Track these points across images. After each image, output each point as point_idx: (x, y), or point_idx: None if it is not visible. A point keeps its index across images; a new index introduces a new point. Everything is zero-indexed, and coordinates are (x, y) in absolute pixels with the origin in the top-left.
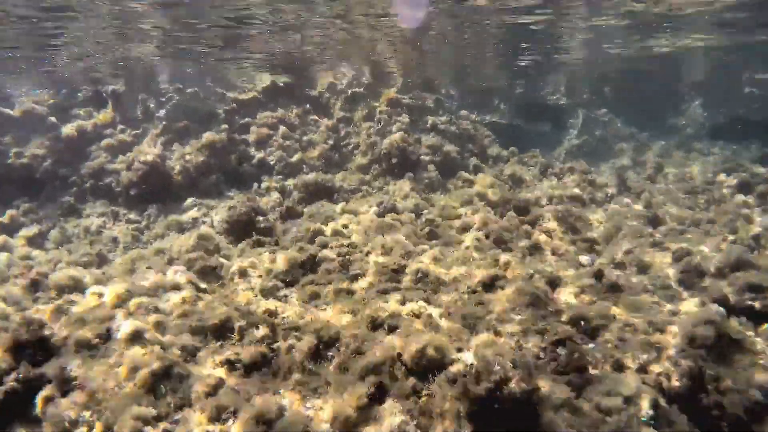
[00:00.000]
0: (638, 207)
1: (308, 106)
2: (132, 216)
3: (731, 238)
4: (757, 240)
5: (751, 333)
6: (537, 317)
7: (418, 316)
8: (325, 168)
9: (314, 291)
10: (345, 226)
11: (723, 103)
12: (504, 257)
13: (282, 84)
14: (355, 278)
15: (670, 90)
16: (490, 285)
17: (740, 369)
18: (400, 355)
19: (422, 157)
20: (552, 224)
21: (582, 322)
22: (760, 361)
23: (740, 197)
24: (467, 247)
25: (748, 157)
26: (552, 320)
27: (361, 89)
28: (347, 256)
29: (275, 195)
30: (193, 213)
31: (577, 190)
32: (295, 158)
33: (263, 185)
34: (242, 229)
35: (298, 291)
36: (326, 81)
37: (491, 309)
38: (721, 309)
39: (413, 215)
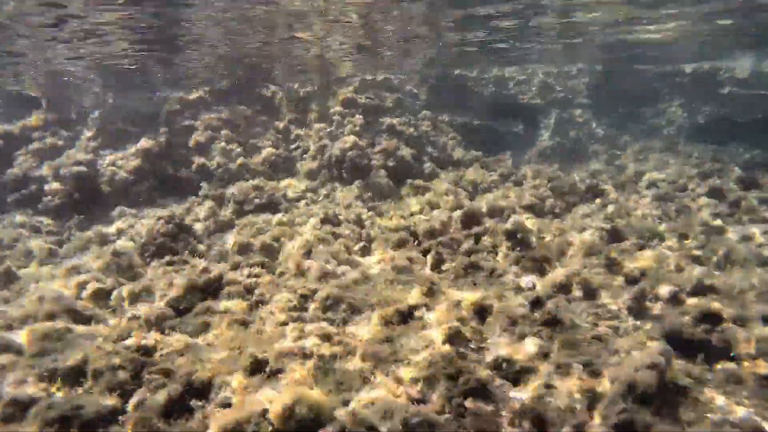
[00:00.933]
0: (599, 219)
1: (259, 107)
2: (54, 227)
3: (696, 253)
4: (727, 258)
5: (706, 374)
6: (452, 357)
7: (309, 356)
8: (271, 173)
9: (205, 322)
10: (276, 239)
11: (703, 103)
12: (433, 279)
13: (230, 83)
14: (257, 305)
15: (650, 89)
16: (409, 315)
17: (685, 425)
18: (266, 411)
19: (374, 162)
20: (499, 239)
21: (505, 364)
22: (709, 415)
23: (709, 208)
24: (394, 268)
25: (728, 161)
26: (471, 360)
27: (315, 88)
28: (256, 279)
29: (209, 204)
30: (119, 224)
31: (533, 199)
32: (237, 163)
33: (201, 192)
34: (161, 245)
35: (189, 321)
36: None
37: (401, 345)
38: (668, 348)
39: (354, 227)
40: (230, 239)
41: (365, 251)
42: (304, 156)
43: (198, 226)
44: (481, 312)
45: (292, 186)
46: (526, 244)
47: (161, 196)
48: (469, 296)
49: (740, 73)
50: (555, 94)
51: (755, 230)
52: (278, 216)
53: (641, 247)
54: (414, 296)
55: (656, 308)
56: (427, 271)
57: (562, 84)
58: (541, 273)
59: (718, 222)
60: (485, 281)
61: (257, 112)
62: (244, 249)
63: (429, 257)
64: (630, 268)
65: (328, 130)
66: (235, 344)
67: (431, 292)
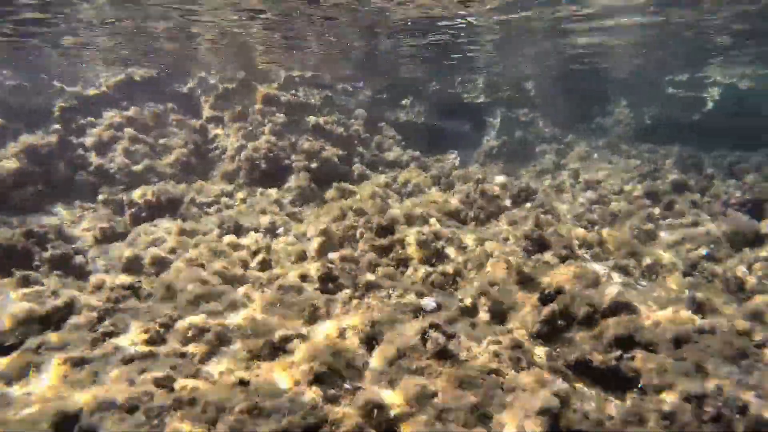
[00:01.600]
0: (527, 225)
1: (172, 104)
2: None
3: (623, 263)
4: (651, 269)
5: (609, 409)
6: (316, 405)
7: (133, 409)
8: (183, 176)
9: (31, 362)
10: (173, 251)
11: (647, 103)
12: (320, 300)
13: (139, 78)
14: (103, 337)
15: (597, 89)
16: (280, 347)
17: None
18: None
19: (295, 163)
20: (411, 250)
21: (376, 411)
22: None
23: (643, 211)
24: (280, 287)
25: (665, 161)
26: (346, 401)
27: (235, 85)
28: (117, 304)
29: (103, 211)
30: None
31: (458, 204)
32: (141, 165)
33: (100, 197)
34: (12, 260)
35: (11, 361)
36: (199, 75)
37: (257, 390)
38: (564, 387)
39: (258, 238)
40: (119, 251)
41: (264, 266)
42: (223, 157)
43: (87, 236)
44: (369, 341)
45: (205, 190)
46: (442, 257)
47: (51, 202)
48: (354, 322)
49: (681, 76)
50: (501, 93)
51: (686, 234)
52: (176, 223)
53: (565, 258)
54: (290, 323)
55: (569, 332)
56: (313, 290)
57: (509, 82)
58: (454, 289)
59: (650, 226)
60: (385, 301)
61: (171, 110)
62: (132, 263)
63: (317, 273)
64: (546, 284)
65: (248, 129)
66: (54, 393)
67: (313, 318)
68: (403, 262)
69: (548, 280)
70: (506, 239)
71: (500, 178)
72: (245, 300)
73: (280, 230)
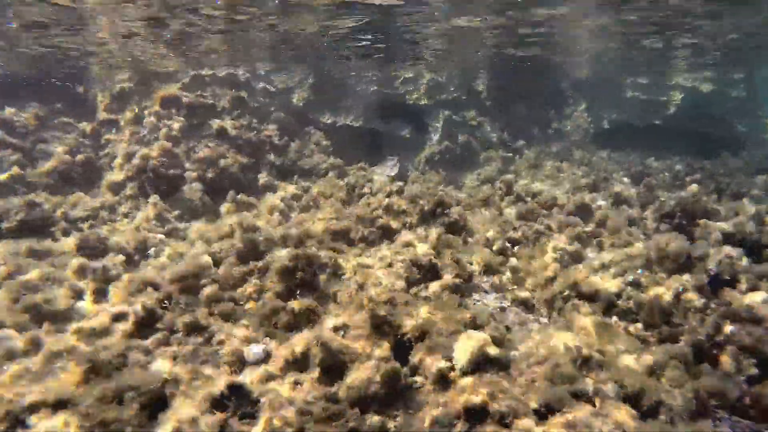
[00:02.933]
0: (420, 248)
1: (61, 105)
2: None
3: (522, 295)
4: (567, 298)
5: None
6: None
7: None
8: (61, 186)
9: None
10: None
11: (607, 107)
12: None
13: (24, 76)
14: None
15: (555, 91)
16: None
17: None
18: None
19: (188, 172)
20: (270, 280)
21: None
22: None
23: (569, 229)
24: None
25: (621, 170)
26: None
27: (133, 84)
28: None
29: None
30: None
31: (349, 222)
32: (6, 174)
33: None
34: None
35: None
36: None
37: None
38: None
39: (117, 261)
40: None
41: (100, 296)
42: (112, 165)
43: None
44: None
45: (81, 203)
46: (311, 287)
47: None
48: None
49: (642, 78)
50: (446, 94)
51: (614, 256)
52: (30, 243)
53: (455, 290)
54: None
55: (420, 390)
56: (119, 337)
57: (455, 83)
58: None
59: (575, 246)
60: (205, 352)
61: (58, 112)
62: None
63: (133, 318)
64: (408, 328)
65: (142, 133)
66: None
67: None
68: (259, 294)
69: (412, 324)
70: (390, 265)
71: (415, 188)
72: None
73: (151, 251)
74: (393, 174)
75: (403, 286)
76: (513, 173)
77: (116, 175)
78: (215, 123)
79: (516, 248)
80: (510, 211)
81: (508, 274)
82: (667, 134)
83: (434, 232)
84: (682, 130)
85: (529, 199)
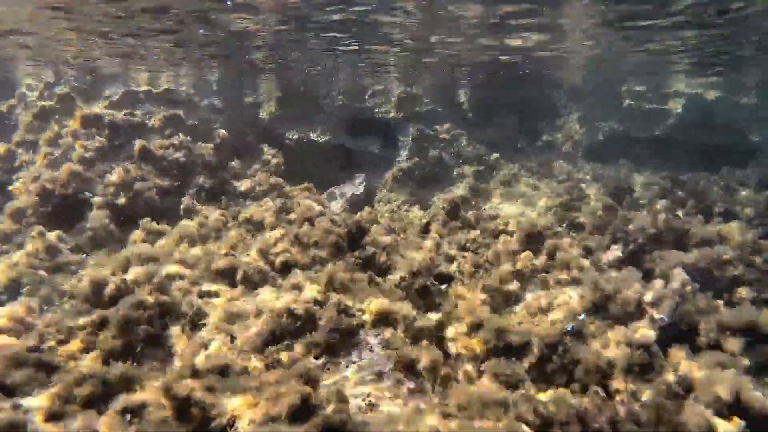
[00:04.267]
0: (313, 289)
1: None
2: None
3: (413, 355)
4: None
5: None
6: None
7: None
8: None
9: None
10: None
11: (602, 117)
12: None
13: None
14: None
15: (546, 100)
16: None
17: None
18: None
19: (97, 197)
20: (110, 333)
21: None
22: None
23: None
24: None
25: (597, 187)
26: None
27: (54, 102)
28: None
29: None
30: None
31: (232, 261)
32: None
33: None
34: None
35: None
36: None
37: None
38: None
39: None
40: None
41: None
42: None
43: None
44: None
45: None
46: (158, 343)
47: None
48: None
49: (640, 86)
50: (420, 107)
51: (552, 299)
52: None
53: (324, 350)
54: None
55: None
56: None
57: (431, 94)
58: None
59: (513, 286)
60: None
61: None
62: None
63: None
64: (216, 423)
65: (56, 155)
66: None
67: None
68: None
69: (223, 414)
70: (259, 314)
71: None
72: None
73: (23, 290)
74: (359, 193)
75: (259, 344)
76: (483, 191)
77: (20, 201)
78: (138, 143)
79: (444, 286)
80: (455, 239)
81: (407, 324)
82: (671, 146)
83: (326, 271)
84: (687, 142)
85: (487, 223)
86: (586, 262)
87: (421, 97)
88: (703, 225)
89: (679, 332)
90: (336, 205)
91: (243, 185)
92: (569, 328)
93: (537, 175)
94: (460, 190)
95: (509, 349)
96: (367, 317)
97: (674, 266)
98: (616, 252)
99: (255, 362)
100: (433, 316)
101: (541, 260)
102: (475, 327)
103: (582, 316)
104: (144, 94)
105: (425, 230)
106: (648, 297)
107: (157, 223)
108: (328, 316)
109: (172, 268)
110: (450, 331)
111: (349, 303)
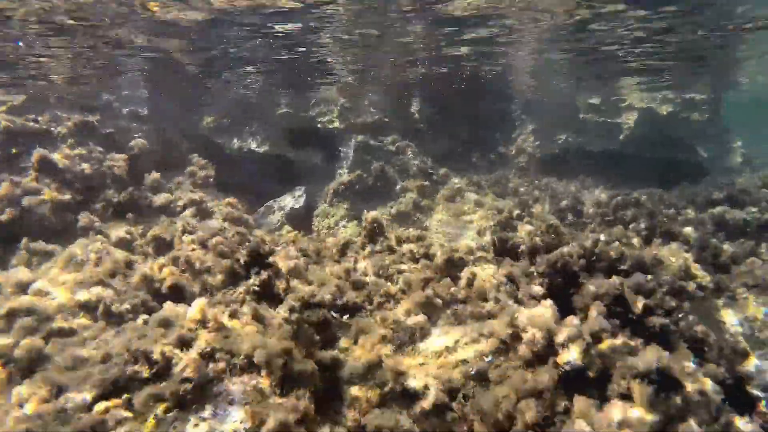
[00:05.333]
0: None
1: None
2: None
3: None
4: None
5: None
6: None
7: None
8: None
9: None
10: None
11: (558, 130)
12: None
13: None
14: None
15: (501, 112)
16: None
17: None
18: None
19: None
20: None
21: None
22: None
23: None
24: None
25: (541, 205)
26: None
27: None
28: None
29: None
30: None
31: (98, 293)
32: None
33: None
34: None
35: None
36: None
37: None
38: None
39: None
40: None
41: None
42: None
43: None
44: None
45: None
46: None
47: None
48: None
49: (594, 99)
50: (365, 117)
51: (462, 335)
52: None
53: (215, 397)
54: None
55: None
56: None
57: (378, 104)
58: None
59: (421, 320)
60: None
61: None
62: None
63: None
64: None
65: None
66: None
67: None
68: None
69: None
70: (106, 359)
71: (214, 224)
72: None
73: None
74: (298, 206)
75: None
76: (426, 207)
77: None
78: (37, 153)
79: (346, 317)
80: (371, 263)
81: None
82: (625, 160)
83: (198, 305)
84: (640, 156)
85: (407, 245)
86: (502, 294)
87: (368, 107)
88: (641, 248)
89: (590, 378)
90: (274, 219)
91: (159, 200)
92: (473, 371)
93: (485, 190)
94: (400, 206)
95: (406, 394)
96: (237, 360)
97: (594, 297)
98: (540, 281)
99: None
100: (326, 355)
101: (456, 290)
102: (373, 367)
103: (488, 358)
104: (53, 99)
105: (343, 253)
106: (560, 336)
107: (48, 243)
108: (187, 360)
109: (24, 300)
110: (345, 372)
111: (217, 345)
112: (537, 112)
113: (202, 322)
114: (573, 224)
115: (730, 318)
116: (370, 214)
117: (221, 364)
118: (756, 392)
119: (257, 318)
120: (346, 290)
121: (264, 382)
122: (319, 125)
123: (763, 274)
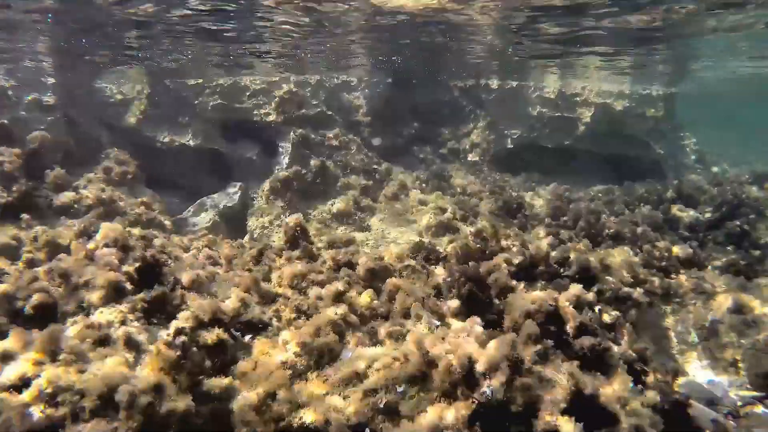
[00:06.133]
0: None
1: None
2: None
3: None
4: None
5: None
6: None
7: None
8: None
9: None
10: None
11: (512, 124)
12: None
13: None
14: None
15: (453, 105)
16: None
17: None
18: None
19: None
20: None
21: None
22: None
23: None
24: None
25: (488, 203)
26: None
27: None
28: None
29: None
30: None
31: None
32: None
33: None
34: None
35: None
36: None
37: None
38: None
39: None
40: None
41: None
42: None
43: None
44: None
45: None
46: None
47: None
48: None
49: (549, 93)
50: (306, 109)
51: (380, 360)
52: None
53: None
54: None
55: None
56: None
57: (320, 95)
58: None
59: (328, 339)
60: None
61: None
62: None
63: None
64: None
65: None
66: None
67: None
68: None
69: None
70: None
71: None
72: None
73: None
74: (232, 204)
75: None
76: (368, 206)
77: None
78: None
79: (248, 338)
80: (287, 272)
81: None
82: (580, 156)
83: (49, 332)
84: (595, 152)
85: (329, 252)
86: (425, 311)
87: (309, 99)
88: (589, 251)
89: (512, 413)
90: (206, 218)
91: (62, 199)
92: (381, 404)
93: (431, 188)
94: (340, 204)
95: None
96: (87, 402)
97: (526, 315)
98: (460, 294)
99: None
100: (215, 384)
101: (378, 305)
102: (269, 397)
103: (400, 388)
104: None
105: (258, 260)
106: (480, 365)
107: None
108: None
109: None
110: (236, 405)
111: (63, 383)
112: (491, 105)
113: (53, 353)
114: (521, 225)
115: (677, 327)
116: (291, 218)
117: (63, 410)
118: (698, 413)
119: (130, 344)
120: (251, 305)
121: (121, 428)
122: (255, 117)
123: (711, 278)
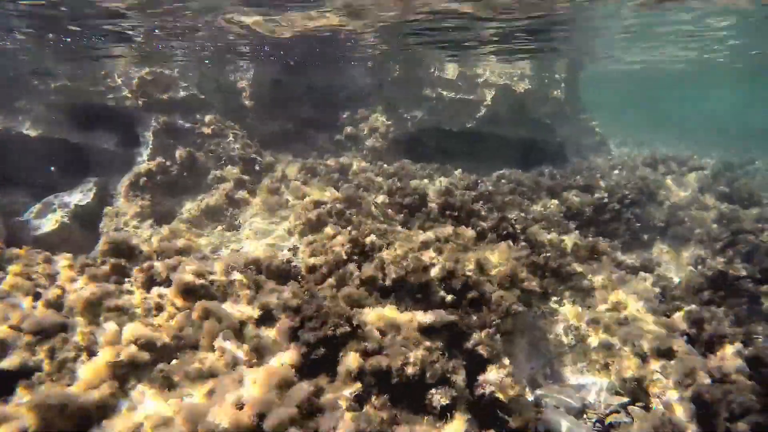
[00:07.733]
0: None
1: None
2: None
3: None
4: None
5: None
6: None
7: None
8: None
9: None
10: None
11: (413, 108)
12: None
13: None
14: None
15: (349, 85)
16: None
17: None
18: None
19: None
20: None
21: None
22: None
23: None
24: None
25: (383, 193)
26: None
27: None
28: None
29: None
30: None
31: None
32: None
33: None
34: None
35: None
36: None
37: None
38: None
39: None
40: None
41: None
42: None
43: None
44: None
45: None
46: None
47: None
48: None
49: (449, 74)
50: (173, 92)
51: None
52: None
53: None
54: None
55: None
56: None
57: (191, 77)
58: None
59: (102, 392)
60: None
61: None
62: None
63: None
64: None
65: None
66: None
67: None
68: None
69: None
70: None
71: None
72: None
73: None
74: (86, 203)
75: None
76: (243, 201)
77: None
78: None
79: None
80: (85, 295)
81: None
82: (483, 140)
83: None
84: (498, 135)
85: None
86: (232, 344)
87: (176, 80)
88: (475, 247)
89: None
90: (51, 220)
91: None
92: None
93: (319, 178)
94: (210, 200)
95: None
96: None
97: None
98: (290, 326)
99: None
100: None
101: (187, 333)
102: None
103: None
104: None
105: (54, 279)
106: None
107: None
108: None
109: None
110: None
111: None
112: (390, 87)
113: None
114: (417, 219)
115: (555, 327)
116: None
117: None
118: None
119: None
120: (17, 342)
121: None
122: (110, 102)
123: (592, 271)
